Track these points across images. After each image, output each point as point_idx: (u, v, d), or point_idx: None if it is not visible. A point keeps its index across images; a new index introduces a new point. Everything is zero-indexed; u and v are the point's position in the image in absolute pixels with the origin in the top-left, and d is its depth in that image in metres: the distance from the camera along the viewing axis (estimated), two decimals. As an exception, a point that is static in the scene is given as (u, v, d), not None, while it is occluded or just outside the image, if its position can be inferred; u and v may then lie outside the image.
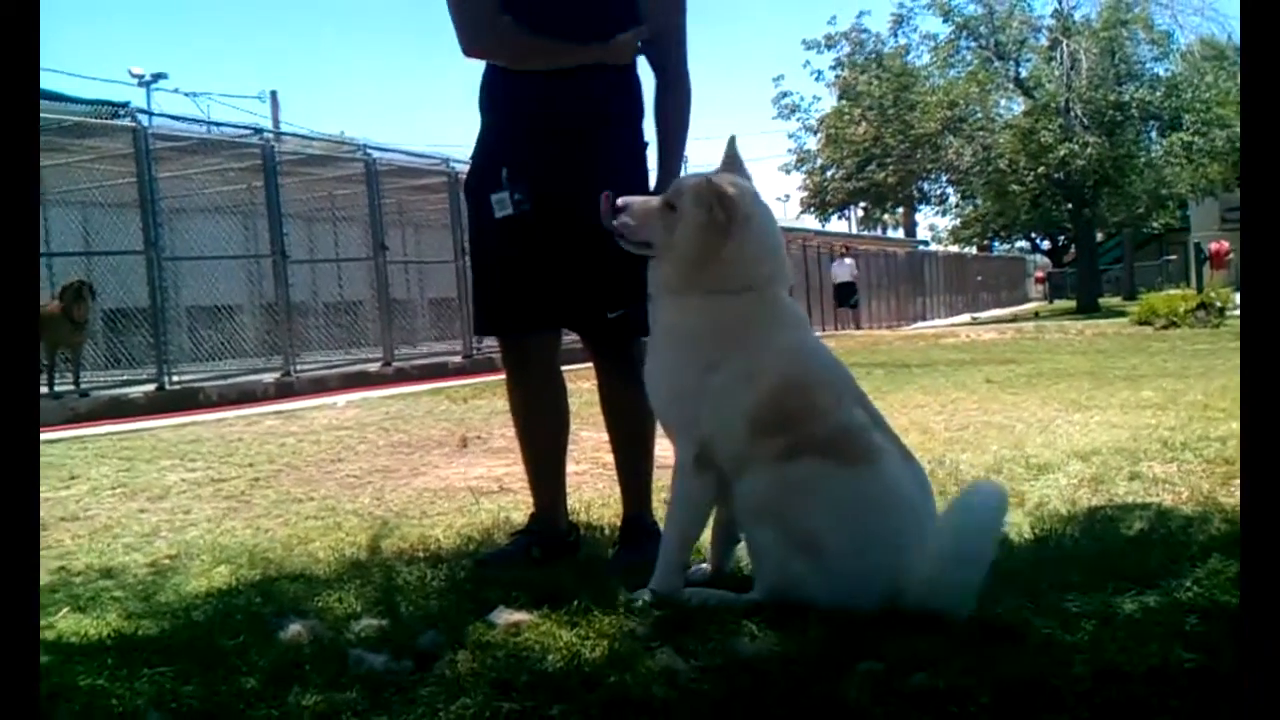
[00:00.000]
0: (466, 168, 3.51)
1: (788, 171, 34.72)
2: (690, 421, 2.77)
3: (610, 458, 3.61)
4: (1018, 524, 3.53)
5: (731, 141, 2.93)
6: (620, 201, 2.82)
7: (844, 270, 28.56)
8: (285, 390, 11.88)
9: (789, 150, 34.23)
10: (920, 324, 31.97)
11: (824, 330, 25.34)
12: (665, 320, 2.85)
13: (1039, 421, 6.17)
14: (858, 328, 27.48)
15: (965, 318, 35.76)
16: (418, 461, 5.72)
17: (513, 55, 3.22)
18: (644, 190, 3.12)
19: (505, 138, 3.27)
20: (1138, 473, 4.29)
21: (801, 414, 2.67)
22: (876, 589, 2.53)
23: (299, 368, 12.93)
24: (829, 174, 33.52)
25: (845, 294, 28.60)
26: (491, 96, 3.31)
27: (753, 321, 2.76)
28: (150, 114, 13.49)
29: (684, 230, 2.73)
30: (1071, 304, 35.86)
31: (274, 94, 35.86)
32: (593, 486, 4.68)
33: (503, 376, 3.52)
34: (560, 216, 3.18)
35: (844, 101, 31.65)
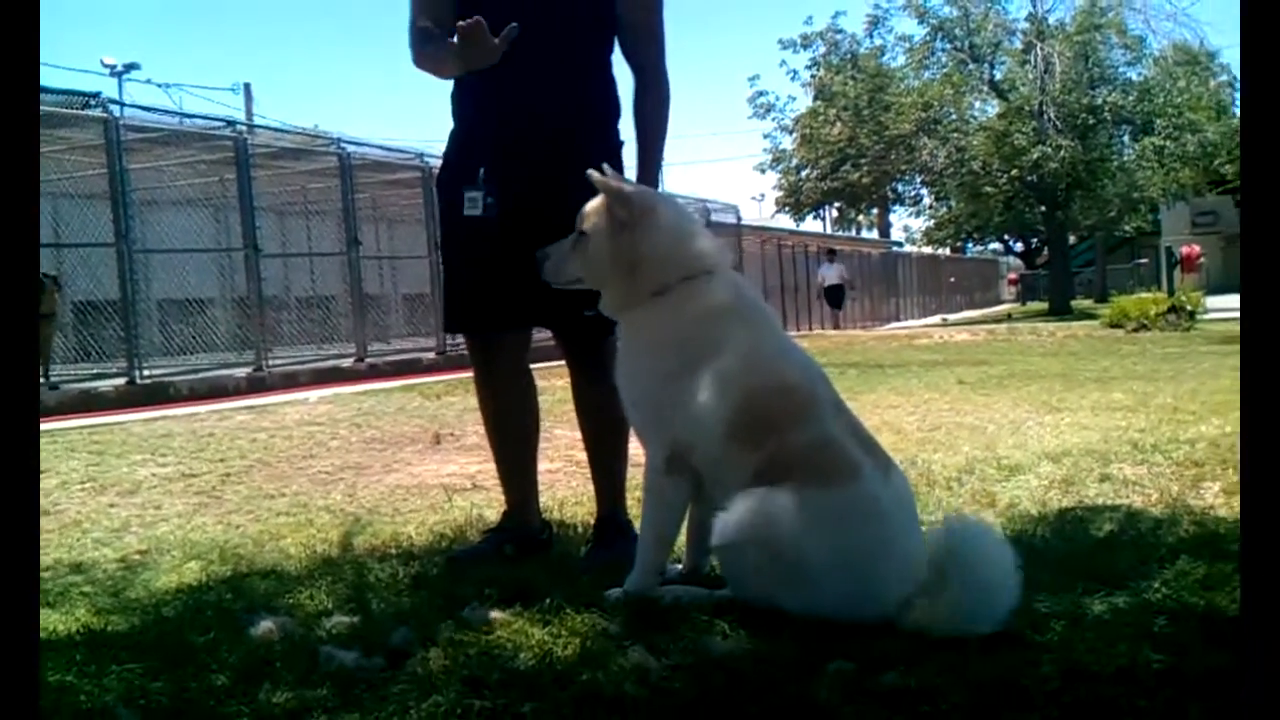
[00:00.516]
0: (440, 163, 3.49)
1: (763, 171, 34.79)
2: (661, 427, 2.76)
3: (585, 455, 3.61)
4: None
5: None
6: (538, 255, 2.91)
7: (832, 273, 28.66)
8: (257, 385, 11.83)
9: (764, 150, 34.33)
10: (894, 324, 32.09)
11: (800, 330, 25.41)
12: (626, 335, 2.86)
13: (1010, 423, 6.21)
14: (836, 328, 27.57)
15: (937, 319, 35.92)
16: (390, 458, 5.70)
17: (415, 61, 3.22)
18: None
19: (481, 135, 3.26)
20: (1108, 474, 4.32)
21: (778, 420, 2.64)
22: (866, 612, 2.49)
23: (271, 363, 12.87)
24: (804, 174, 33.60)
25: (835, 296, 28.67)
26: (468, 94, 3.28)
27: (710, 317, 2.74)
28: (122, 105, 13.40)
29: (596, 245, 2.78)
30: (1044, 306, 36.10)
31: (247, 86, 35.55)
32: (566, 484, 4.67)
33: (461, 375, 3.56)
34: (534, 216, 3.16)
35: (819, 102, 31.73)
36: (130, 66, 35.13)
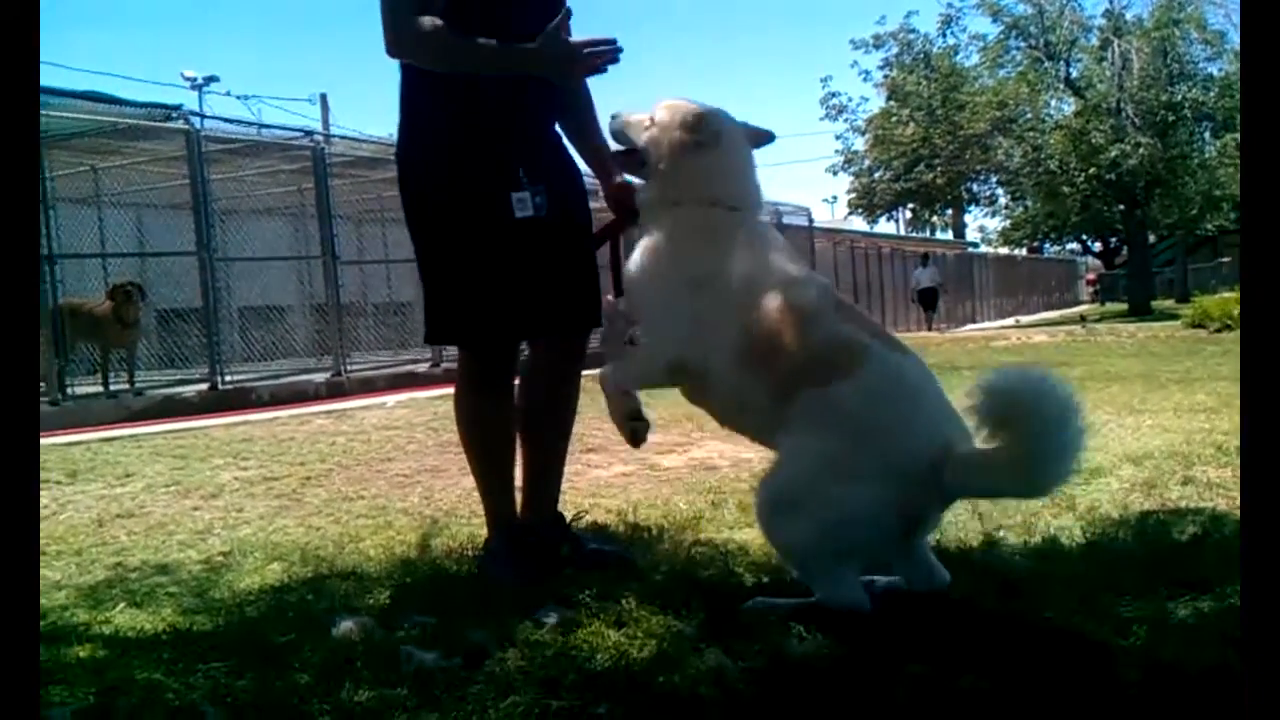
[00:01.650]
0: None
1: (835, 173, 34.58)
2: (668, 334, 2.88)
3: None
4: (1068, 528, 3.51)
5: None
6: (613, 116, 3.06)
7: (926, 276, 28.83)
8: (336, 390, 11.99)
9: (836, 151, 34.17)
10: (970, 326, 31.73)
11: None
12: (651, 235, 2.95)
13: (1091, 424, 6.09)
14: (929, 329, 27.67)
15: (1011, 320, 35.51)
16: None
17: (434, 57, 3.09)
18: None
19: (507, 130, 3.14)
20: (1191, 477, 4.24)
21: (784, 342, 2.73)
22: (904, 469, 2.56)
23: (349, 368, 13.04)
24: (877, 175, 33.33)
25: (929, 298, 28.83)
26: (478, 86, 3.12)
27: (735, 240, 2.87)
28: (202, 116, 13.65)
29: (660, 141, 2.91)
30: (1123, 306, 35.47)
31: (324, 97, 36.16)
32: (640, 488, 4.68)
33: None
34: (574, 210, 3.24)
35: (892, 102, 31.46)
36: (210, 79, 35.84)
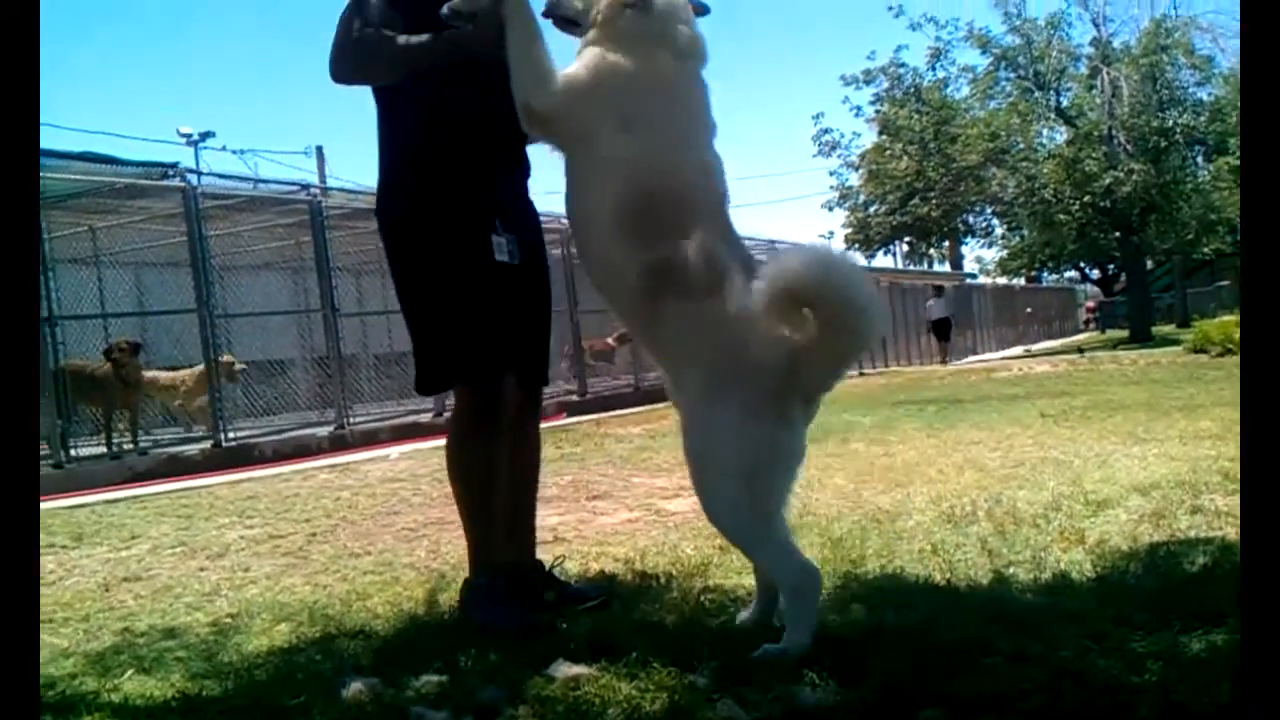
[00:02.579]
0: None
1: (830, 209, 34.63)
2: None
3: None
4: (1078, 562, 3.50)
5: None
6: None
7: (939, 307, 29.30)
8: (339, 443, 11.96)
9: (831, 187, 34.19)
10: (972, 358, 31.72)
11: (880, 366, 25.18)
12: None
13: (1096, 455, 6.10)
14: (944, 360, 28.05)
15: (1019, 350, 35.60)
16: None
17: (371, 64, 3.15)
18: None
19: (481, 179, 3.21)
20: (1199, 506, 4.22)
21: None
22: None
23: (352, 420, 13.02)
24: (872, 209, 33.42)
25: (942, 329, 29.30)
26: (435, 112, 3.19)
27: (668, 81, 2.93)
28: (199, 173, 13.73)
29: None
30: (1124, 334, 35.47)
31: (320, 149, 36.37)
32: (646, 534, 4.66)
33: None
34: (536, 252, 3.38)
35: (884, 136, 31.60)
36: (206, 134, 35.97)
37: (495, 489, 3.32)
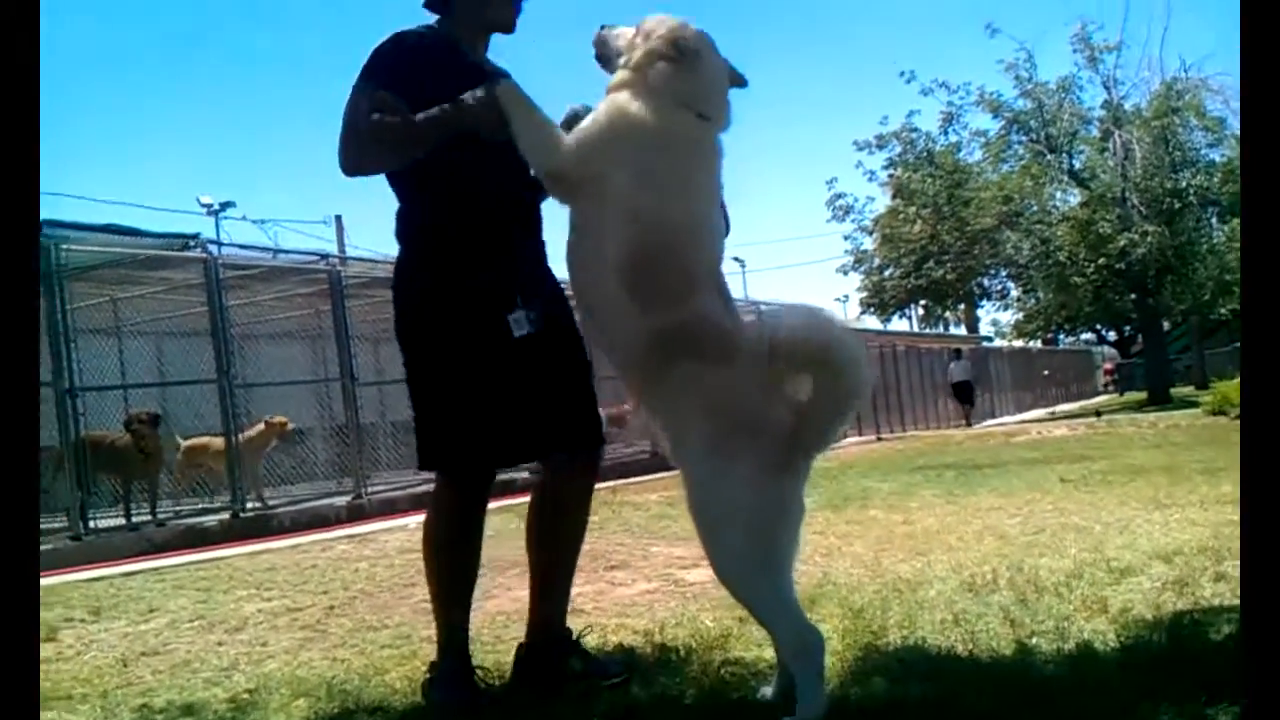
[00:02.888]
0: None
1: (845, 273, 34.77)
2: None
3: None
4: (1102, 631, 3.47)
5: None
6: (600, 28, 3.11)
7: (960, 369, 29.53)
8: (357, 513, 11.95)
9: (845, 251, 34.32)
10: (990, 422, 31.61)
11: (898, 430, 25.08)
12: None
13: (1117, 521, 6.06)
14: (967, 422, 28.17)
15: (1044, 412, 35.60)
16: (489, 584, 5.70)
17: (376, 149, 3.15)
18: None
19: (499, 253, 3.21)
20: (1223, 573, 4.18)
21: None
22: None
23: (370, 489, 13.01)
24: (887, 273, 33.54)
25: (964, 392, 29.43)
26: (448, 188, 3.21)
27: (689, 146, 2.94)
28: (219, 244, 13.85)
29: (637, 45, 2.97)
30: (1142, 396, 35.32)
31: (338, 218, 36.62)
32: (665, 605, 4.64)
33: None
34: (560, 333, 3.32)
35: (898, 200, 31.77)
36: (226, 204, 36.28)
37: (462, 574, 3.38)
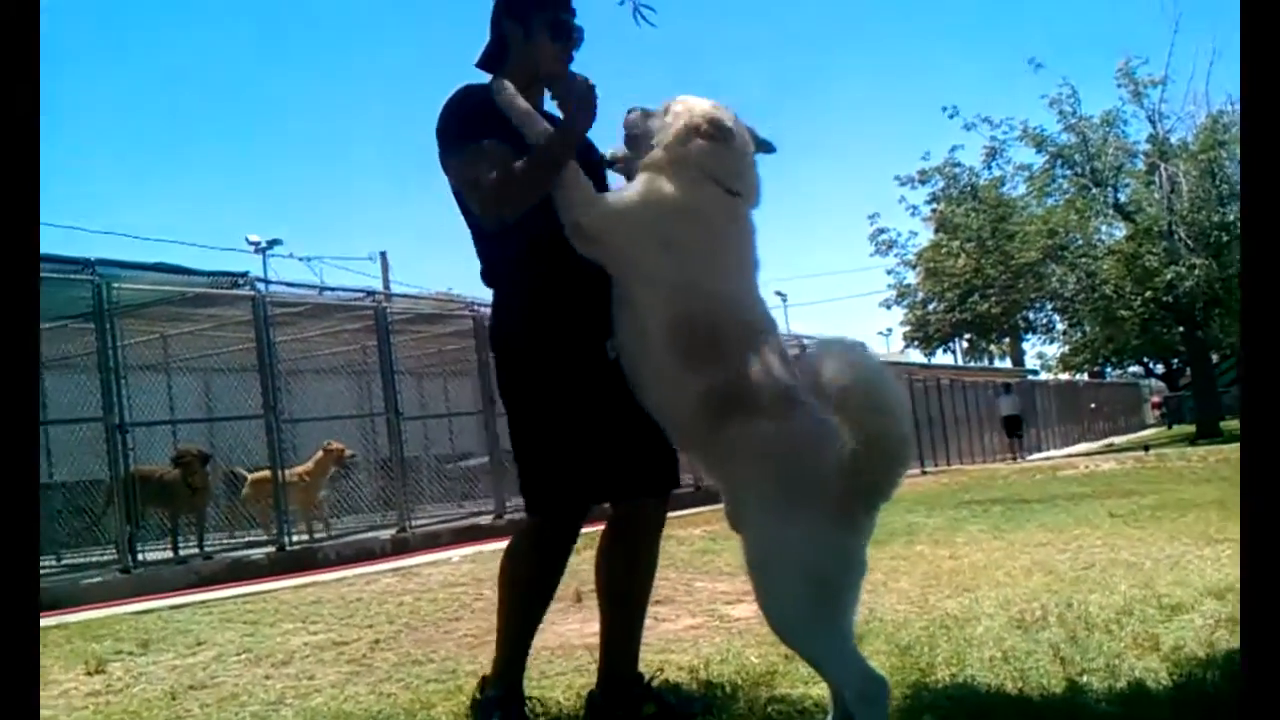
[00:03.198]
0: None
1: (888, 306, 34.68)
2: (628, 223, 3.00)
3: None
4: (1154, 670, 3.42)
5: None
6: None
7: (1009, 403, 29.48)
8: (401, 546, 12.01)
9: (888, 285, 34.22)
10: (1036, 456, 31.32)
11: (940, 464, 24.88)
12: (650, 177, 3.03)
13: (1168, 557, 5.98)
14: (1013, 455, 28.03)
15: (1088, 446, 35.29)
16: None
17: (523, 192, 3.05)
18: None
19: (584, 278, 3.11)
20: None
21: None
22: None
23: (414, 523, 13.07)
24: (930, 307, 33.40)
25: (1013, 425, 29.36)
26: (544, 229, 3.09)
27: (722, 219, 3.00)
28: (267, 281, 14.03)
29: (669, 125, 3.03)
30: (1191, 429, 34.87)
31: (384, 254, 37.00)
32: (710, 641, 4.62)
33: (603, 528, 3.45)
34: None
35: (941, 234, 31.65)
36: (273, 242, 36.81)
37: (538, 613, 3.38)
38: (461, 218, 3.30)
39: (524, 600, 3.36)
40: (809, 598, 2.70)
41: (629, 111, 3.19)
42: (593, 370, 3.11)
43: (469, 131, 3.12)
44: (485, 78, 3.31)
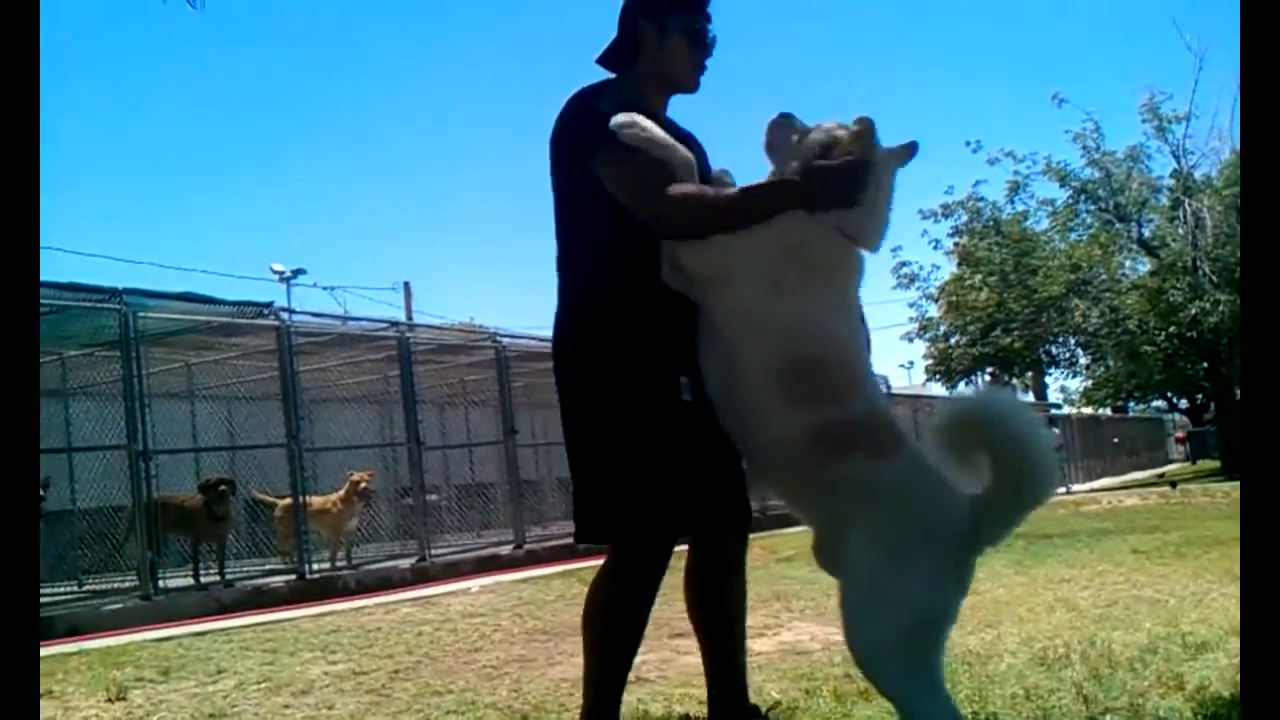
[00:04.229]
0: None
1: (910, 340, 34.55)
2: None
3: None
4: (1178, 709, 3.39)
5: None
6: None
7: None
8: (421, 575, 12.00)
9: (910, 318, 34.12)
10: (1058, 490, 31.13)
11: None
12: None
13: (1193, 595, 5.93)
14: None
15: (1112, 481, 35.03)
16: (553, 650, 5.72)
17: (705, 223, 2.92)
18: None
19: (661, 309, 3.03)
20: (1304, 651, 4.08)
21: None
22: None
23: (433, 552, 13.08)
24: (953, 340, 33.30)
25: None
26: (627, 261, 3.05)
27: (829, 263, 2.89)
28: (291, 311, 14.10)
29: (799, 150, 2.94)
30: (1215, 464, 34.61)
31: (407, 285, 37.13)
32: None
33: None
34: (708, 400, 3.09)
35: (964, 268, 31.59)
36: (297, 271, 36.98)
37: (632, 651, 3.18)
38: (558, 240, 3.21)
39: (614, 645, 3.15)
40: (910, 643, 2.64)
41: (777, 116, 3.01)
42: (672, 396, 3.01)
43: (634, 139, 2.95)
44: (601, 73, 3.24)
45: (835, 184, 2.85)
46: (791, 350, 2.79)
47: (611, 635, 3.15)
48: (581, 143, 3.03)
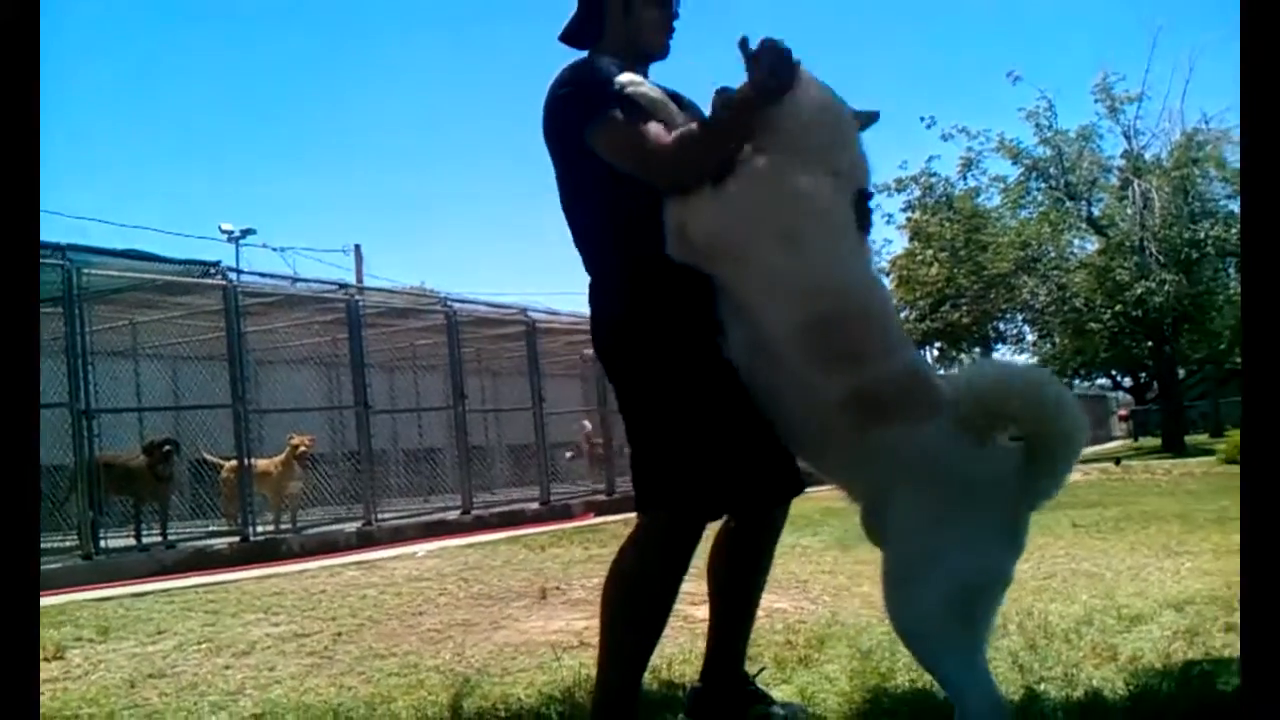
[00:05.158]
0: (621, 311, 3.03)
1: (861, 313, 34.67)
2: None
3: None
4: (1110, 679, 3.45)
5: None
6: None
7: None
8: (366, 539, 11.96)
9: (862, 292, 34.18)
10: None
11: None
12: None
13: (1129, 568, 6.03)
14: None
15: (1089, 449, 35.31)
16: (497, 614, 5.72)
17: (702, 160, 2.81)
18: None
19: (698, 283, 2.91)
20: (1233, 624, 4.15)
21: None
22: None
23: (379, 516, 13.03)
24: (903, 315, 33.50)
25: None
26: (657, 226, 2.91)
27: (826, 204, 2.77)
28: (239, 271, 13.94)
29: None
30: (1157, 441, 35.17)
31: (358, 247, 36.74)
32: (673, 641, 4.58)
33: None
34: None
35: (915, 243, 31.78)
36: (246, 231, 36.49)
37: (660, 628, 3.02)
38: (574, 212, 3.10)
39: (638, 626, 2.98)
40: (955, 612, 2.55)
41: (720, 91, 2.81)
42: (718, 358, 2.88)
43: (615, 96, 2.87)
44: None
45: (766, 62, 2.71)
46: (812, 312, 2.68)
47: (643, 609, 2.98)
48: (580, 121, 2.93)
